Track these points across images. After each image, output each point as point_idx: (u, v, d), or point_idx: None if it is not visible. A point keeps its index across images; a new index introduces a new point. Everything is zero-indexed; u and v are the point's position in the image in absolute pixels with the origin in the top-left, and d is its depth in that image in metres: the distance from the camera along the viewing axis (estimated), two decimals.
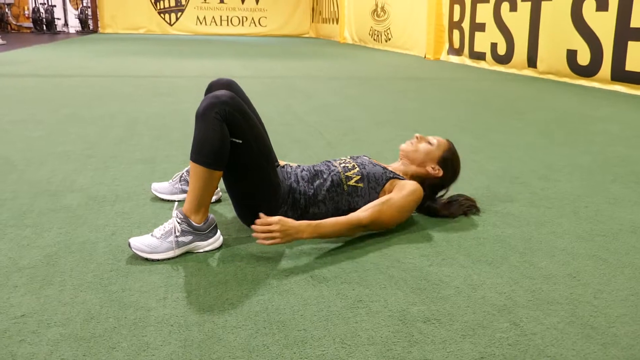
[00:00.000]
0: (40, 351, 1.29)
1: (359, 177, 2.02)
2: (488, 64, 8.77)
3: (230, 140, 1.78)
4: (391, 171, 2.08)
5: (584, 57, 6.65)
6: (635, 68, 6.00)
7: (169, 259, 1.75)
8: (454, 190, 2.29)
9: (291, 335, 1.37)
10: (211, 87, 2.10)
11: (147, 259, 1.73)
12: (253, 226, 1.73)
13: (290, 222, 1.75)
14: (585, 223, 2.17)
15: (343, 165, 2.07)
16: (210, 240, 1.82)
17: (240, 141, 1.80)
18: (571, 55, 6.86)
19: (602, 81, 6.48)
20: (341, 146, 3.36)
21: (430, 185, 2.15)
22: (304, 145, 3.34)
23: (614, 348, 1.36)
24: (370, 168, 2.06)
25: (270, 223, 1.70)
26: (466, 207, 2.21)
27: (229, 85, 2.08)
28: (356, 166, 2.05)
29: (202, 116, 1.74)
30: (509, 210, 2.30)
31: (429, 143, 2.14)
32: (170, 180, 2.35)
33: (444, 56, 10.25)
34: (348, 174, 2.02)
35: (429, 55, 10.53)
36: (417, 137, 2.17)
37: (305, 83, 6.39)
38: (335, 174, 2.01)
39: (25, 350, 1.29)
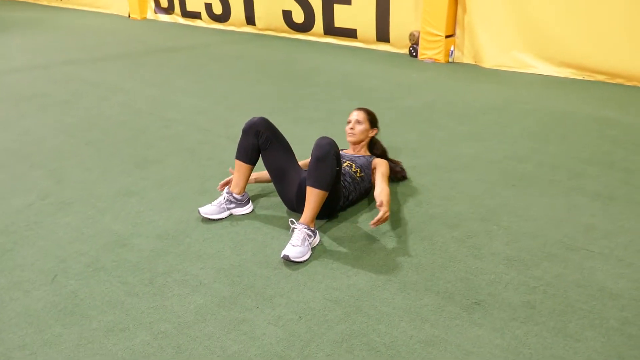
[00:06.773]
0: None
1: (359, 169, 2.92)
2: (205, 22, 9.09)
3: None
4: (369, 156, 3.03)
5: (298, 17, 7.70)
6: (341, 25, 7.33)
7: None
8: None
9: None
10: (251, 125, 2.74)
11: (298, 262, 2.40)
12: (377, 222, 2.40)
13: (387, 203, 2.50)
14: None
15: (347, 166, 2.90)
16: (317, 237, 2.56)
17: (338, 168, 2.54)
18: (287, 14, 7.82)
19: (316, 35, 7.66)
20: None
21: (376, 140, 3.14)
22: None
23: None
24: (359, 161, 2.95)
25: (386, 213, 2.41)
26: (400, 176, 3.20)
27: (266, 121, 2.77)
28: (353, 164, 2.92)
29: (325, 159, 2.46)
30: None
31: (358, 122, 3.04)
32: (215, 203, 2.82)
33: (152, 15, 10.05)
34: (353, 169, 2.89)
35: (134, 14, 10.16)
36: (350, 129, 3.03)
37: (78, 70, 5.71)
38: (351, 174, 2.85)
39: None
